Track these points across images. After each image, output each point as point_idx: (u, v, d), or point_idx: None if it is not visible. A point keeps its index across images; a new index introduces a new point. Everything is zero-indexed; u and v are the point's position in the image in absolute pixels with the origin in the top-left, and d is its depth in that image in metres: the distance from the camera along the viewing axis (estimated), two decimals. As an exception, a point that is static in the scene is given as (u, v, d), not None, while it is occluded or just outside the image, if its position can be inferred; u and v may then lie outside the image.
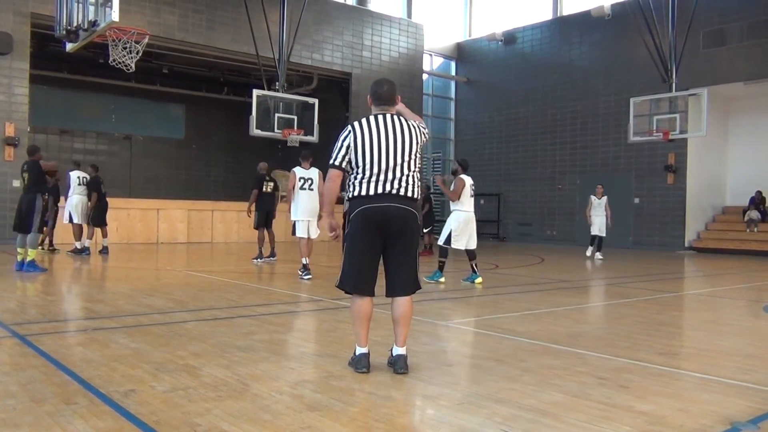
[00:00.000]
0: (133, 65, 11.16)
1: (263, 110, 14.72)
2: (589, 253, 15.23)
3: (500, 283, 9.84)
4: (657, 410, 3.37)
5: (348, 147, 3.99)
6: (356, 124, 4.03)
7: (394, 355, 4.02)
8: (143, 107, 23.97)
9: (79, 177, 12.71)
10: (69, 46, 9.90)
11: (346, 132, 4.03)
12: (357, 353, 4.02)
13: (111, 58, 11.17)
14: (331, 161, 4.03)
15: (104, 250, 12.89)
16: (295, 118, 15.08)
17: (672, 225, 19.43)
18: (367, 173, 3.95)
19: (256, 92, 14.68)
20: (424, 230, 14.64)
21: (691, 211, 19.54)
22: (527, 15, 24.20)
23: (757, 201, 19.17)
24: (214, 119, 25.53)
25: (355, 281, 4.00)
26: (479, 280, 9.09)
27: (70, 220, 12.58)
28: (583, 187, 21.71)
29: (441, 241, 9.13)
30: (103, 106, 23.12)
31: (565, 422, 3.15)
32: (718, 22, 18.59)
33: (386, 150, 3.95)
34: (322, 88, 21.98)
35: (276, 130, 14.71)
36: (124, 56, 11.07)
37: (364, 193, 3.96)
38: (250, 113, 14.53)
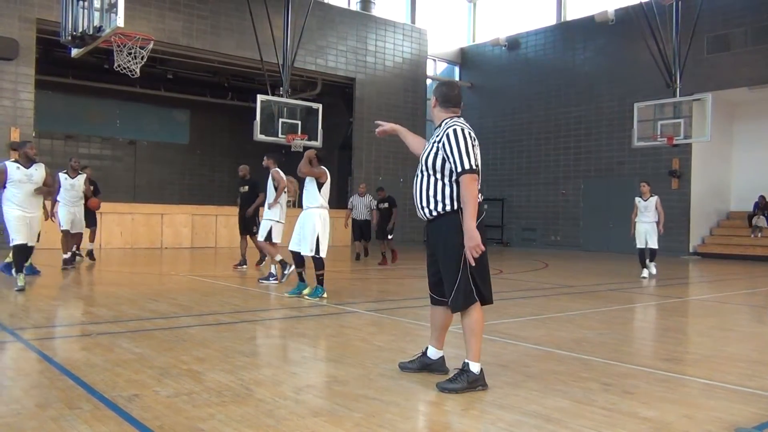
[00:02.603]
0: (137, 71, 11.18)
1: (267, 115, 14.75)
2: (646, 274, 11.73)
3: (504, 288, 9.83)
4: (662, 416, 3.36)
5: (474, 149, 3.73)
6: (469, 127, 3.82)
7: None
8: (148, 112, 24.07)
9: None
10: (74, 52, 9.93)
11: (468, 135, 3.75)
12: (476, 370, 3.77)
13: (116, 64, 11.20)
14: (469, 165, 3.67)
15: (91, 255, 12.51)
16: (299, 123, 15.11)
17: (676, 230, 19.37)
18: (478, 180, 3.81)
19: (260, 97, 14.72)
20: (389, 237, 13.66)
21: (696, 216, 19.50)
22: (531, 20, 24.23)
23: (761, 206, 19.11)
24: (219, 124, 25.61)
25: (489, 293, 3.87)
26: (306, 291, 7.76)
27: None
28: (586, 192, 21.71)
29: (313, 251, 7.50)
30: (108, 112, 23.23)
31: (569, 428, 3.14)
32: (722, 27, 18.58)
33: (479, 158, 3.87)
34: (326, 93, 22.02)
35: (280, 135, 14.74)
36: (129, 62, 11.09)
37: (480, 200, 3.81)
38: (254, 118, 14.56)
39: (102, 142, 23.52)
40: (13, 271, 8.00)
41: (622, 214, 16.79)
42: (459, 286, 3.75)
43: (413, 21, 24.50)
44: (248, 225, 11.56)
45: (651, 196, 11.93)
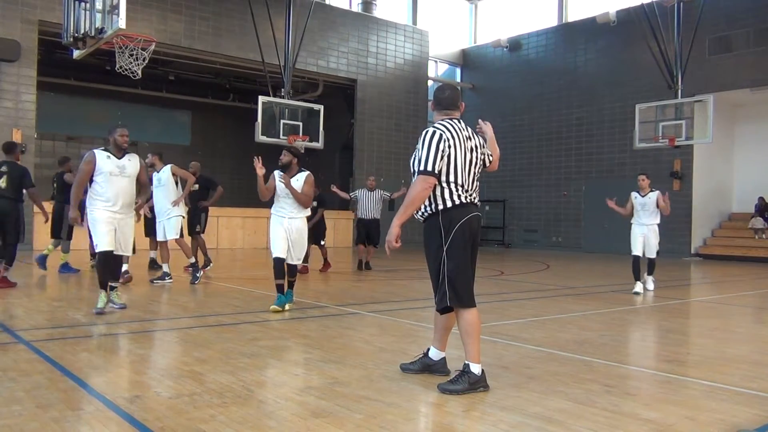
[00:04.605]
0: (139, 72, 11.20)
1: (269, 117, 14.77)
2: (639, 289, 9.38)
3: (505, 289, 9.82)
4: (663, 418, 3.36)
5: (443, 153, 3.73)
6: (444, 129, 3.79)
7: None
8: (149, 114, 24.09)
9: None
10: (76, 53, 9.95)
11: (437, 137, 3.74)
12: (477, 371, 3.75)
13: (118, 65, 11.23)
14: (424, 167, 3.71)
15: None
16: (301, 124, 15.14)
17: (678, 231, 19.35)
18: (460, 181, 3.79)
19: (261, 99, 14.74)
20: (322, 242, 12.15)
21: (698, 218, 19.49)
22: (532, 21, 24.25)
23: (761, 208, 19.09)
24: (220, 126, 25.63)
25: (472, 294, 3.84)
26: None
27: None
28: (588, 194, 21.70)
29: (301, 259, 7.08)
30: (109, 113, 23.21)
31: (571, 430, 3.13)
32: (724, 29, 18.57)
33: (470, 159, 3.85)
34: (328, 94, 22.03)
35: (281, 136, 14.76)
36: (131, 63, 11.11)
37: (464, 201, 3.81)
38: (256, 120, 14.59)
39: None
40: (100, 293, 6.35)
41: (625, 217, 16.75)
42: (439, 286, 3.82)
43: (414, 22, 24.52)
44: (193, 224, 11.13)
45: (651, 191, 9.66)
